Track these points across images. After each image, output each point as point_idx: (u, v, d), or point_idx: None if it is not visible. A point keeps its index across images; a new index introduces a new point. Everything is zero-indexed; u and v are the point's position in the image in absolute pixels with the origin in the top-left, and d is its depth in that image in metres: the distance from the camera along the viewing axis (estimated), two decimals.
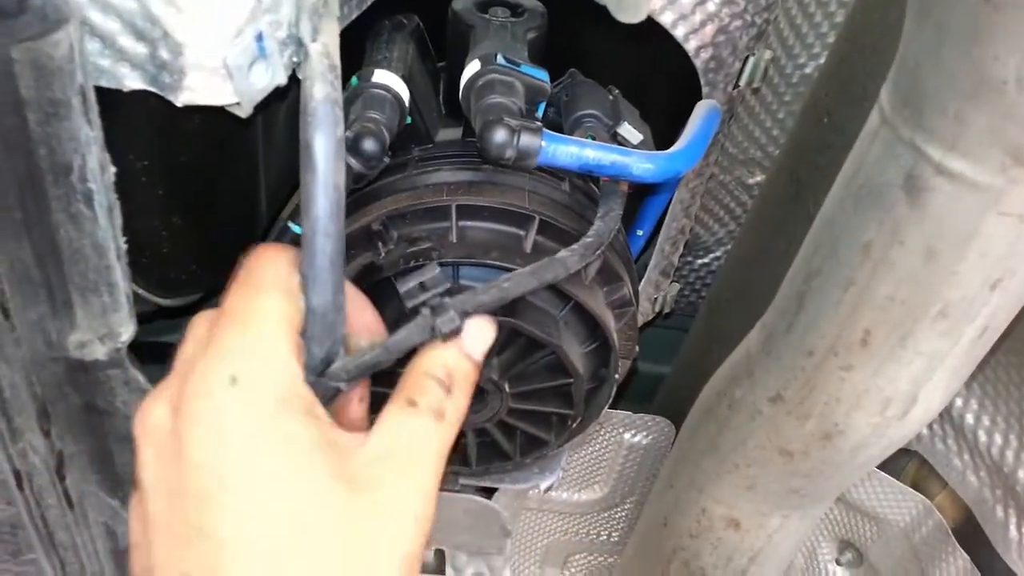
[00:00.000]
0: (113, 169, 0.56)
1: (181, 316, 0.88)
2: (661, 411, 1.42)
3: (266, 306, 0.49)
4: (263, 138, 0.78)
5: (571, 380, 0.76)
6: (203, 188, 0.76)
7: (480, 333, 0.56)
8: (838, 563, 1.42)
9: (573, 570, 1.55)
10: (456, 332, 0.55)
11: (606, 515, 1.45)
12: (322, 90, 0.49)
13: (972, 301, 0.69)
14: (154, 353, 0.99)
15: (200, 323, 0.52)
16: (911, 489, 1.24)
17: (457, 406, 0.53)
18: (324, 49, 0.52)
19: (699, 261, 1.43)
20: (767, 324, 0.89)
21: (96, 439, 0.72)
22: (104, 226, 0.57)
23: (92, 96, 0.52)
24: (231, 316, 0.49)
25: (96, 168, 0.54)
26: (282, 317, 0.49)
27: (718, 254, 1.42)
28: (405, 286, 0.57)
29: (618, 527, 1.47)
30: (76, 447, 0.74)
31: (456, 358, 0.54)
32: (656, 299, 1.18)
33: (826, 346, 0.79)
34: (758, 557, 1.07)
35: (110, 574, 0.88)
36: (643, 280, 1.14)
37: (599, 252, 0.69)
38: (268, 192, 0.85)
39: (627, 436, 1.29)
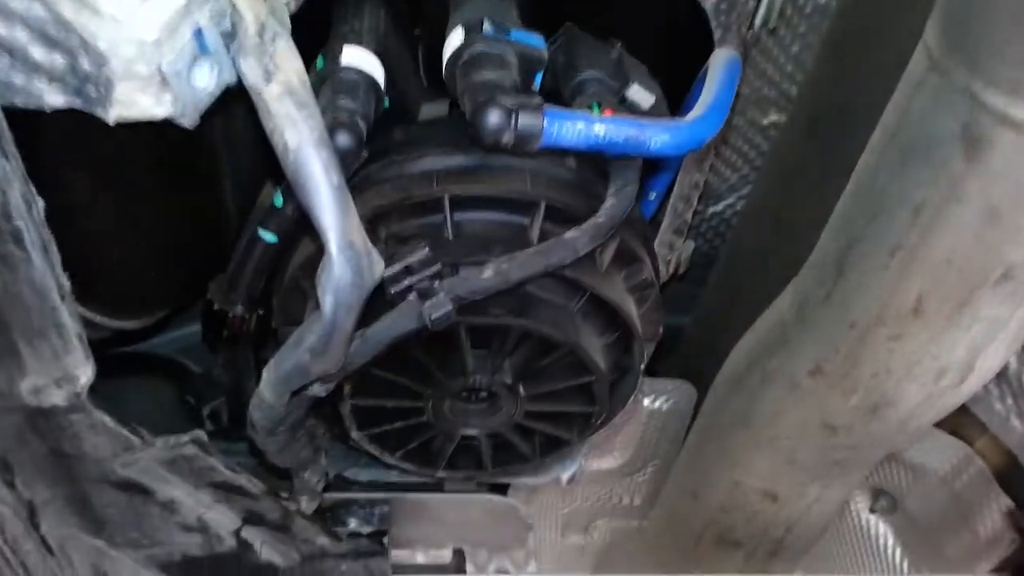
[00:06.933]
0: (42, 203, 0.47)
1: (144, 340, 0.80)
2: (680, 369, 1.35)
3: None
4: (222, 133, 0.69)
5: (592, 377, 0.69)
6: (155, 198, 0.67)
7: None
8: (872, 511, 1.37)
9: (596, 535, 1.50)
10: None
11: (628, 480, 1.39)
12: (295, 137, 0.40)
13: None
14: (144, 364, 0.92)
15: None
16: (951, 436, 1.18)
17: None
18: (285, 88, 0.43)
19: (711, 210, 1.34)
20: (801, 290, 0.81)
21: (69, 484, 0.66)
22: (40, 266, 0.49)
23: (4, 126, 0.43)
24: None
25: (21, 204, 0.46)
26: None
27: (731, 201, 1.33)
28: (391, 270, 0.53)
29: (641, 491, 1.41)
30: (48, 494, 0.67)
31: None
32: (670, 260, 1.10)
33: (872, 316, 0.71)
34: (795, 527, 1.01)
35: None
36: (655, 241, 1.06)
37: (611, 233, 0.61)
38: (235, 189, 0.76)
39: (647, 402, 1.22)
